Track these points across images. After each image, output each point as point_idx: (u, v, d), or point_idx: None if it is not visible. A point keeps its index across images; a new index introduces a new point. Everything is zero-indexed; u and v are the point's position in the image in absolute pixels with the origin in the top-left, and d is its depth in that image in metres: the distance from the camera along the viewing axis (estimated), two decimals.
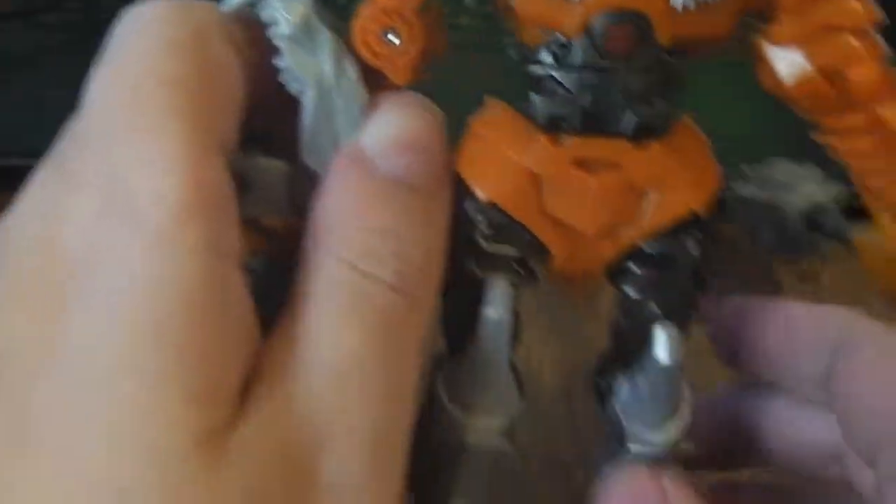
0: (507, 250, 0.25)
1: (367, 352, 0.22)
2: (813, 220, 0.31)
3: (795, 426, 0.29)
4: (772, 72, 0.26)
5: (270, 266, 0.25)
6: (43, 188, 0.22)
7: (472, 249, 0.25)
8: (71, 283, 0.20)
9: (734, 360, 0.28)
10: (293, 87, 0.25)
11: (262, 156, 0.25)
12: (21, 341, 0.20)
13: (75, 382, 0.19)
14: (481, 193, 0.25)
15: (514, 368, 0.27)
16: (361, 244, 0.22)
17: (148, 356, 0.19)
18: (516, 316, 0.26)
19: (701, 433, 0.29)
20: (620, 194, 0.25)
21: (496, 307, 0.25)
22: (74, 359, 0.19)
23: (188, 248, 0.20)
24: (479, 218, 0.25)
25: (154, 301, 0.20)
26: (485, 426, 0.26)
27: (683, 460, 0.28)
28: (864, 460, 0.26)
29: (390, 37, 0.24)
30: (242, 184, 0.24)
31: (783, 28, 0.25)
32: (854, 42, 0.25)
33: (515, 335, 0.27)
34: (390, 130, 0.24)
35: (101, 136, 0.22)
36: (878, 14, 0.26)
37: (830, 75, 0.25)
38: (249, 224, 0.25)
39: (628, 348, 0.27)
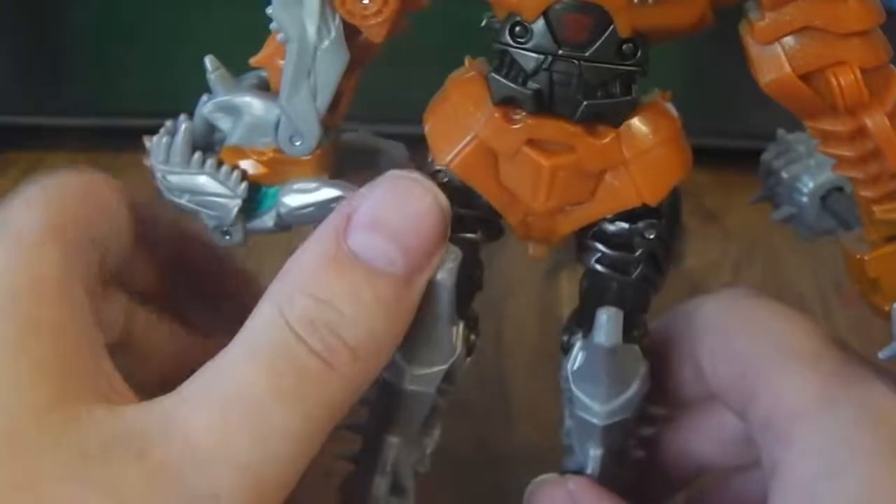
0: (465, 212, 0.26)
1: (266, 395, 0.23)
2: (826, 202, 0.30)
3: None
4: (754, 68, 0.25)
5: None
6: None
7: None
8: None
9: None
10: (280, 38, 0.26)
11: None
12: None
13: None
14: (440, 158, 0.26)
15: (470, 319, 0.28)
16: (303, 308, 0.24)
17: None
18: (479, 266, 0.28)
19: None
20: (572, 177, 0.25)
21: (440, 270, 0.26)
22: None
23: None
24: (437, 180, 0.26)
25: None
26: (423, 375, 0.27)
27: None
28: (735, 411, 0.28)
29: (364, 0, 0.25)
30: None
31: (763, 25, 0.24)
32: (837, 44, 0.23)
33: (477, 286, 0.28)
34: (373, 208, 0.24)
35: None
36: (880, 14, 0.24)
37: (810, 78, 0.24)
38: None
39: (589, 315, 0.28)
